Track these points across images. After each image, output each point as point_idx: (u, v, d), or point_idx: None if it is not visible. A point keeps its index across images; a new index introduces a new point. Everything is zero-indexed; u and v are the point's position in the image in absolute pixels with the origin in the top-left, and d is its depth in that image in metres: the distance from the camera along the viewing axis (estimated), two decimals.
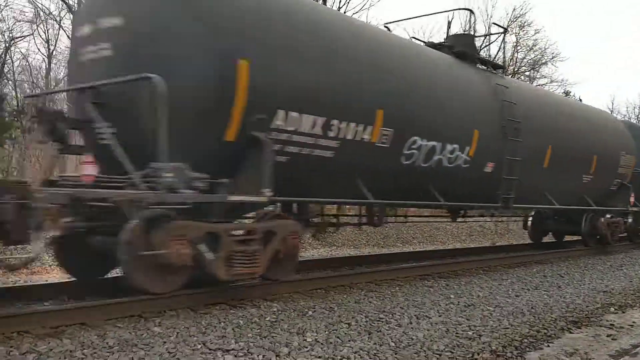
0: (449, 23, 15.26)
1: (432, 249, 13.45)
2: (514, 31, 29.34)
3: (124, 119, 5.63)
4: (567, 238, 14.88)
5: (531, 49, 29.82)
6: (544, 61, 30.03)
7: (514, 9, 29.72)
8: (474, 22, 10.59)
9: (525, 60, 30.04)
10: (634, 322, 6.09)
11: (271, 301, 5.97)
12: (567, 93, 27.68)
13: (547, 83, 29.91)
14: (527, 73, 29.86)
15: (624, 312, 6.64)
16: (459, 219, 12.05)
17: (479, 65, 10.01)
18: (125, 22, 5.75)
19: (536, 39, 29.73)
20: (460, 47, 9.67)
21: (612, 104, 48.99)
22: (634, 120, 39.51)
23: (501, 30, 11.54)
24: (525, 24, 29.29)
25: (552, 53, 30.06)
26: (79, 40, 6.27)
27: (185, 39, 5.58)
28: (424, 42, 10.23)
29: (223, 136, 5.79)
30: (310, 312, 5.58)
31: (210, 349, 4.26)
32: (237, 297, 5.91)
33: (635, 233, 15.09)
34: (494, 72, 10.39)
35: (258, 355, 4.18)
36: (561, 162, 11.01)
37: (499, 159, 9.50)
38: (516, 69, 29.04)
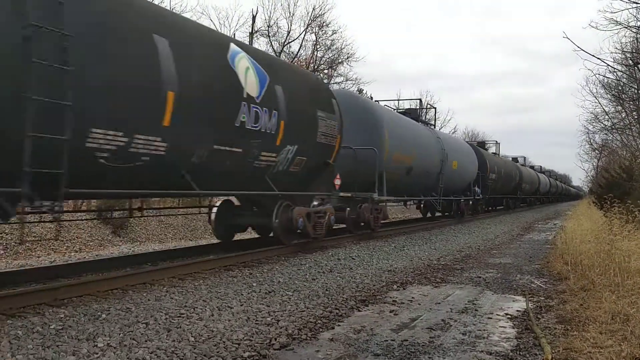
0: (254, 17, 15.69)
1: (238, 239, 13.56)
2: (314, 30, 30.91)
3: None
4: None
5: (329, 48, 31.74)
6: (340, 60, 32.17)
7: (314, 8, 31.18)
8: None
9: (324, 58, 31.86)
10: (412, 297, 6.86)
11: (58, 307, 5.44)
12: (360, 91, 30.08)
13: (343, 81, 32.18)
14: (325, 71, 31.71)
15: (404, 289, 7.46)
16: None
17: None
18: None
19: (333, 39, 31.73)
20: None
21: (398, 101, 54.82)
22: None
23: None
24: (324, 24, 31.04)
25: (348, 53, 32.36)
26: None
27: None
28: None
29: None
30: (103, 315, 5.22)
31: None
32: (16, 306, 5.28)
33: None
34: None
35: None
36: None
37: None
38: (316, 67, 30.65)
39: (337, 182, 11.68)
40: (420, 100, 18.76)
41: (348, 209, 12.75)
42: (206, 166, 7.76)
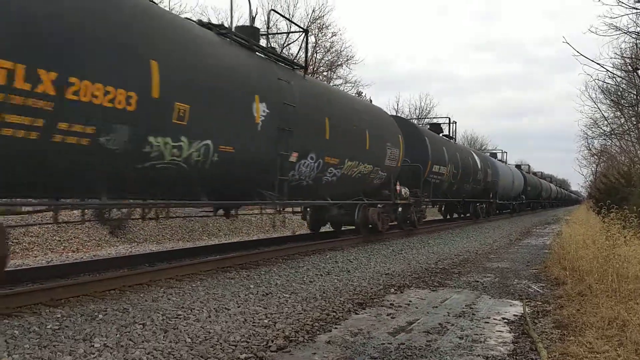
0: (253, 18, 15.88)
1: (237, 241, 13.57)
2: (313, 32, 30.91)
3: None
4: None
5: (328, 50, 31.73)
6: (339, 63, 32.17)
7: (313, 10, 31.20)
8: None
9: (323, 61, 31.84)
10: (410, 301, 6.87)
11: (55, 307, 5.44)
12: (359, 93, 30.09)
13: (342, 84, 32.16)
14: (325, 73, 31.68)
15: (402, 292, 7.46)
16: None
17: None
18: None
19: (333, 41, 31.73)
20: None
21: (397, 104, 55.10)
22: (414, 119, 44.86)
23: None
24: (324, 26, 31.04)
25: (347, 55, 32.38)
26: None
27: None
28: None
29: None
30: (100, 316, 5.22)
31: None
32: (13, 305, 5.27)
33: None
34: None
35: None
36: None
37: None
38: (315, 69, 30.64)
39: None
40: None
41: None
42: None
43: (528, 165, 50.43)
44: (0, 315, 5.04)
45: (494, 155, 32.77)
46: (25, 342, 4.31)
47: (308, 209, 14.29)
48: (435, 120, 27.41)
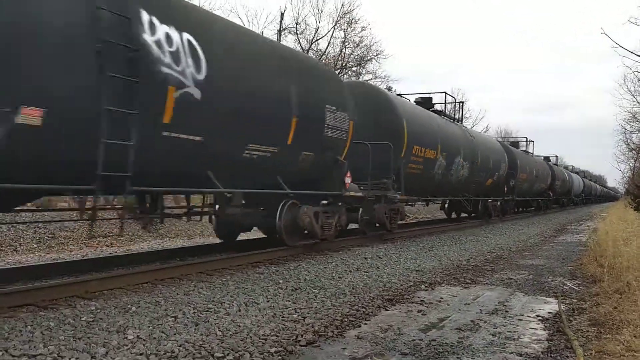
0: (282, 14, 15.83)
1: (263, 237, 13.61)
2: (342, 27, 30.78)
3: None
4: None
5: (358, 45, 31.54)
6: (369, 58, 31.96)
7: (342, 5, 31.04)
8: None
9: (352, 56, 31.70)
10: (441, 297, 6.77)
11: (89, 299, 5.55)
12: (389, 88, 29.82)
13: (371, 79, 31.96)
14: (354, 69, 31.54)
15: (433, 289, 7.37)
16: None
17: None
18: None
19: (362, 36, 31.53)
20: None
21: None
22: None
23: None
24: (353, 20, 30.88)
25: (377, 50, 32.14)
26: None
27: None
28: None
29: None
30: (133, 308, 5.30)
31: (13, 356, 3.83)
32: (48, 298, 5.40)
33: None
34: None
35: (70, 359, 3.86)
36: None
37: None
38: (344, 64, 30.52)
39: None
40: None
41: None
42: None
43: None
44: (37, 307, 5.18)
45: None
46: (60, 333, 4.41)
47: None
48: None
